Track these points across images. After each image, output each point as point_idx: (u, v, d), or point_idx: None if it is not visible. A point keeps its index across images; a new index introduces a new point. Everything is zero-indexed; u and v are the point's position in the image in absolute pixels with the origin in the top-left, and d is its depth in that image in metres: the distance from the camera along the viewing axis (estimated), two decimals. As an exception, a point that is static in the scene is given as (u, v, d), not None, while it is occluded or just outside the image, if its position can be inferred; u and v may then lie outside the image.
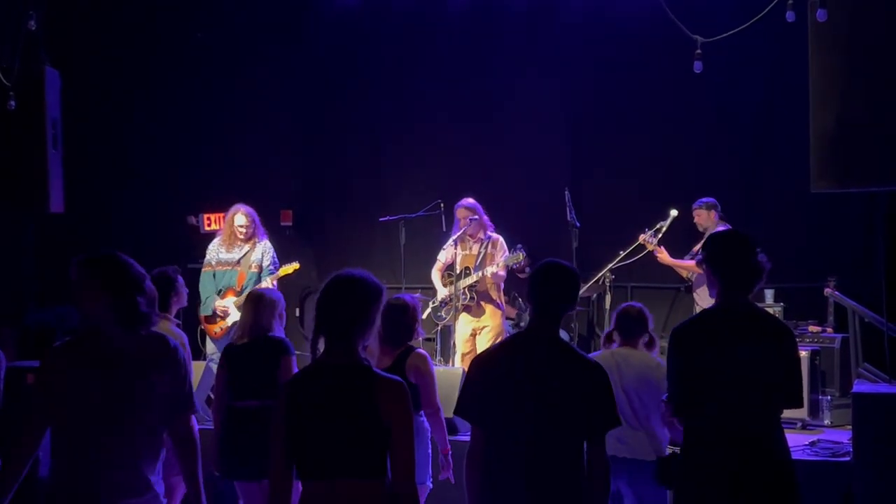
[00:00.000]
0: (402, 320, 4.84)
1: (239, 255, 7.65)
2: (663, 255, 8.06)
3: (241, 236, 7.65)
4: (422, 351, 4.94)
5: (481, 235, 7.69)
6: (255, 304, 5.19)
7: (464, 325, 7.68)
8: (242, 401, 5.05)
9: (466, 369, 6.73)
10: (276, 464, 3.06)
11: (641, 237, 8.02)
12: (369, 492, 2.96)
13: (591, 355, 4.75)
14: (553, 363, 3.43)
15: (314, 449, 2.99)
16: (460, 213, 7.68)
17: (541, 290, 3.53)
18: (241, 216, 7.64)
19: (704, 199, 8.03)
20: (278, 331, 5.19)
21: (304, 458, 3.01)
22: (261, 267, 7.64)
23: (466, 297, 7.59)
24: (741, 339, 3.63)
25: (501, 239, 7.71)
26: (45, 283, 8.11)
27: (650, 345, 4.95)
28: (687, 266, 8.06)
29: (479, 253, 7.65)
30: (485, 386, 3.48)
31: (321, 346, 3.09)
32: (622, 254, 8.09)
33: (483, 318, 7.65)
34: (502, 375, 3.45)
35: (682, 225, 8.13)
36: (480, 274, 7.51)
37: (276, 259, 7.75)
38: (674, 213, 8.02)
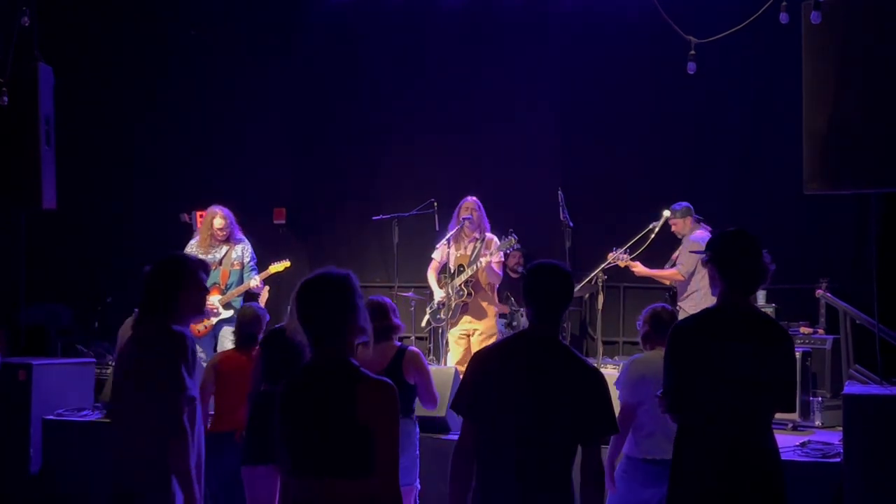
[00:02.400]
0: (385, 320, 4.83)
1: (220, 255, 7.81)
2: (639, 268, 7.83)
3: (220, 238, 7.80)
4: (414, 349, 4.96)
5: (476, 234, 7.67)
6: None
7: (458, 326, 7.65)
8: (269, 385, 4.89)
9: (463, 370, 6.77)
10: (281, 462, 3.10)
11: (610, 256, 7.82)
12: (356, 491, 2.98)
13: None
14: (551, 365, 3.42)
15: (303, 448, 3.02)
16: (464, 206, 7.65)
17: (538, 292, 3.50)
18: (219, 219, 7.79)
19: (677, 206, 7.79)
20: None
21: (295, 456, 3.04)
22: (242, 264, 7.81)
23: (463, 293, 7.57)
24: (740, 341, 3.63)
25: (496, 238, 7.68)
26: (35, 281, 8.07)
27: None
28: (665, 275, 7.87)
29: (473, 252, 7.63)
30: (482, 381, 3.47)
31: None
32: (600, 270, 7.88)
33: (477, 319, 7.62)
34: (500, 373, 3.44)
35: (659, 233, 7.90)
36: (476, 266, 7.47)
37: (254, 257, 7.91)
38: (666, 213, 7.90)
